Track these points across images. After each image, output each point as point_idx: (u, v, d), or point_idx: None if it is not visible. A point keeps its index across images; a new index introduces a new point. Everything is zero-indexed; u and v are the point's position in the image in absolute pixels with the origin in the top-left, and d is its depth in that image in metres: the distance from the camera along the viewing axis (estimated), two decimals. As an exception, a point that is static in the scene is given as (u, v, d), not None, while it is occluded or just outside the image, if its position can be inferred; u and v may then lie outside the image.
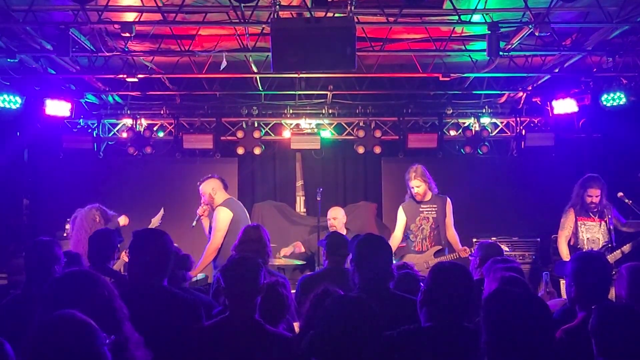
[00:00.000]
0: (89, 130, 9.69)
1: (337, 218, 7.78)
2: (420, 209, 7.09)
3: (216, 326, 3.29)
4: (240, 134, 9.61)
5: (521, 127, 9.84)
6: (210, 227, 6.66)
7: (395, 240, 7.11)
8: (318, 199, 7.85)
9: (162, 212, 7.19)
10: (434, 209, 7.07)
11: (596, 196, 6.79)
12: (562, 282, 6.83)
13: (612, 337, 2.69)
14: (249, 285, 3.26)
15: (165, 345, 3.05)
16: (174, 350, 3.13)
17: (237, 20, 6.42)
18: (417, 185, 7.05)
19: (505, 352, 2.53)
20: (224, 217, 6.50)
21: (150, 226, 7.03)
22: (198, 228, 6.98)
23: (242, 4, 5.77)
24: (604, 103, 8.34)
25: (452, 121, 9.92)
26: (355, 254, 3.82)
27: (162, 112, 9.79)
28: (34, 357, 2.12)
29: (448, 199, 7.16)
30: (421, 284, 3.22)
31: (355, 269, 3.77)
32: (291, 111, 9.82)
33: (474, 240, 8.11)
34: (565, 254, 6.84)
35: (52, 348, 2.11)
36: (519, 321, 2.54)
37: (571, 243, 6.91)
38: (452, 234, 7.08)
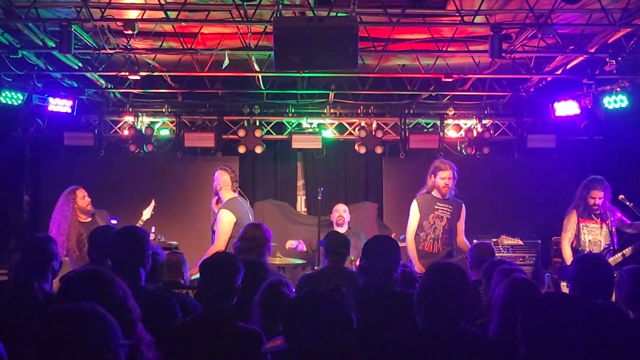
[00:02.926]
0: (91, 127, 9.69)
1: (346, 211, 8.02)
2: (436, 207, 6.62)
3: (189, 324, 3.32)
4: (241, 133, 9.59)
5: (523, 129, 9.83)
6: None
7: (410, 243, 6.63)
8: (319, 198, 7.85)
9: (152, 203, 7.18)
10: (449, 210, 6.66)
11: (599, 198, 6.73)
12: (563, 284, 6.82)
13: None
14: (223, 285, 3.31)
15: None
16: None
17: (240, 19, 6.42)
18: (450, 176, 6.57)
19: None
20: (227, 220, 6.45)
21: (142, 218, 7.09)
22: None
23: (245, 3, 5.78)
24: (606, 105, 8.33)
25: (454, 122, 9.92)
26: (362, 254, 3.85)
27: (163, 110, 9.78)
28: (47, 346, 2.06)
29: (463, 205, 6.79)
30: (417, 284, 3.21)
31: (360, 269, 3.79)
32: (293, 110, 9.83)
33: (474, 241, 8.06)
34: (568, 256, 6.78)
35: (66, 337, 2.05)
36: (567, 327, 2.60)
37: (573, 245, 6.86)
38: (462, 240, 6.73)
